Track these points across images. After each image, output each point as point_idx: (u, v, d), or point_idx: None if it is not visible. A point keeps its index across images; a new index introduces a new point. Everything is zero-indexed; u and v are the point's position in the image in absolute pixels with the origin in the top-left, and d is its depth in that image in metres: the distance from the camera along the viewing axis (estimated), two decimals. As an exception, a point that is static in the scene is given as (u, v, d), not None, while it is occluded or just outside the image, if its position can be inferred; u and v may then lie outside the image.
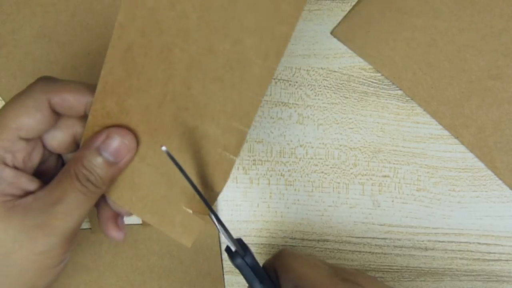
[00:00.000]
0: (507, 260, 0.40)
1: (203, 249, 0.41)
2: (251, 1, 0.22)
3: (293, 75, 0.41)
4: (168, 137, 0.26)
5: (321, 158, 0.40)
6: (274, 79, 0.41)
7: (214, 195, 0.27)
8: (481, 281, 0.40)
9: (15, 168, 0.26)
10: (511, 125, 0.39)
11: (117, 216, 0.30)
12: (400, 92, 0.40)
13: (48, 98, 0.26)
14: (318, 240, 0.40)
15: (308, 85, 0.41)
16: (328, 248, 0.40)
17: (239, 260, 0.27)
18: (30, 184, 0.27)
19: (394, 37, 0.40)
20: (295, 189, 0.40)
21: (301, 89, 0.41)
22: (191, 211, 0.27)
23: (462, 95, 0.40)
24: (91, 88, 0.26)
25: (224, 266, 0.41)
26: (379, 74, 0.40)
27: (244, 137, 0.24)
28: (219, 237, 0.41)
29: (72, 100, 0.26)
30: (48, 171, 0.29)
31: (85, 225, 0.40)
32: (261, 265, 0.29)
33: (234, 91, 0.24)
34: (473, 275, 0.40)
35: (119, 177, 0.28)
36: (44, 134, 0.27)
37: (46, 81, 0.26)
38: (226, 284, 0.41)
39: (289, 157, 0.40)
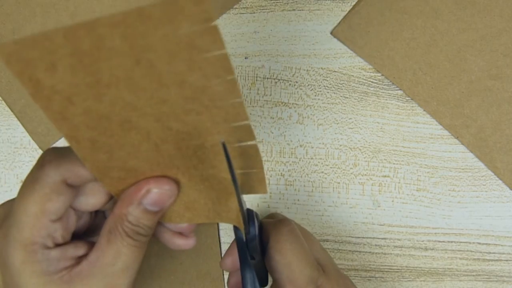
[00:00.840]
0: (507, 260, 0.40)
1: (203, 249, 0.41)
2: (166, 56, 0.21)
3: (293, 75, 0.41)
4: (183, 159, 0.26)
5: (321, 158, 0.40)
6: (274, 79, 0.41)
7: (261, 183, 0.27)
8: (481, 281, 0.40)
9: (58, 245, 0.26)
10: (511, 125, 0.39)
11: (178, 232, 0.30)
12: (400, 92, 0.40)
13: (64, 180, 0.25)
14: (318, 240, 0.40)
15: (308, 85, 0.41)
16: (328, 248, 0.40)
17: (239, 235, 0.27)
18: (78, 250, 0.26)
19: (394, 37, 0.40)
20: (295, 189, 0.40)
21: (301, 89, 0.41)
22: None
23: (462, 95, 0.40)
24: None
25: (224, 266, 0.41)
26: (379, 74, 0.40)
27: (249, 127, 0.24)
28: (219, 237, 0.41)
29: (86, 174, 0.25)
30: (84, 225, 0.29)
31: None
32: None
33: (213, 109, 0.23)
34: (473, 275, 0.40)
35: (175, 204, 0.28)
36: (75, 202, 0.27)
37: (55, 160, 0.25)
38: (226, 284, 0.41)
39: (289, 157, 0.40)
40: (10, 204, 0.27)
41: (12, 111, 0.41)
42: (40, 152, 0.41)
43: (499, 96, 0.39)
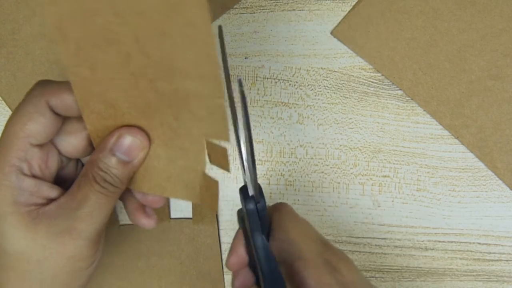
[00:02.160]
0: (507, 260, 0.40)
1: (203, 249, 0.41)
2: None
3: (293, 75, 0.41)
4: (158, 111, 0.26)
5: (321, 158, 0.40)
6: (274, 79, 0.41)
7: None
8: (481, 281, 0.40)
9: (34, 177, 0.27)
10: (511, 125, 0.39)
11: (144, 206, 0.31)
12: (400, 92, 0.40)
13: (47, 101, 0.26)
14: (318, 240, 0.40)
15: (308, 85, 0.41)
16: (328, 248, 0.40)
17: (251, 205, 0.26)
18: (51, 191, 0.27)
19: (394, 37, 0.40)
20: (295, 189, 0.40)
21: (301, 89, 0.41)
22: (207, 175, 0.27)
23: (462, 95, 0.40)
24: None
25: (224, 266, 0.41)
26: (379, 74, 0.40)
27: (219, 79, 0.24)
28: (219, 237, 0.41)
29: (70, 100, 0.26)
30: (69, 177, 0.29)
31: (189, 214, 0.40)
32: None
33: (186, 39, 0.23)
34: (473, 275, 0.40)
35: (142, 168, 0.28)
36: (57, 140, 0.28)
37: (42, 84, 0.27)
38: (226, 284, 0.41)
39: (289, 157, 0.40)
40: None
41: (12, 111, 0.41)
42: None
43: (499, 96, 0.39)
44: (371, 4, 0.40)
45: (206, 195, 0.28)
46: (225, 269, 0.41)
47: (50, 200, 0.27)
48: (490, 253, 0.40)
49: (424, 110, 0.40)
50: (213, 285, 0.41)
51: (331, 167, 0.40)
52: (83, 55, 0.24)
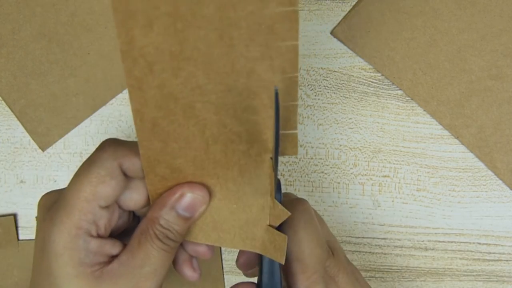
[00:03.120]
0: (507, 260, 0.40)
1: (203, 249, 0.41)
2: (246, 37, 0.22)
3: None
4: (225, 168, 0.27)
5: (321, 158, 0.40)
6: (274, 79, 0.41)
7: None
8: (481, 281, 0.40)
9: (99, 236, 0.27)
10: (511, 125, 0.39)
11: (192, 258, 0.31)
12: (400, 92, 0.40)
13: (120, 164, 0.26)
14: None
15: (308, 85, 0.41)
16: (328, 248, 0.40)
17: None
18: (113, 248, 0.27)
19: (394, 37, 0.40)
20: (295, 189, 0.40)
21: (301, 89, 0.41)
22: (273, 227, 0.28)
23: (462, 95, 0.40)
24: None
25: (224, 266, 0.41)
26: (379, 74, 0.40)
27: (296, 137, 0.26)
28: (219, 237, 0.41)
29: (139, 164, 0.26)
30: (122, 226, 0.29)
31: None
32: None
33: (270, 109, 0.25)
34: (473, 275, 0.40)
35: (200, 220, 0.28)
36: (119, 198, 0.28)
37: (114, 146, 0.27)
38: (226, 284, 0.41)
39: (289, 157, 0.40)
40: (57, 192, 0.28)
41: (12, 111, 0.41)
42: (40, 152, 0.41)
43: (499, 96, 0.39)
44: (371, 4, 0.40)
45: (270, 247, 0.28)
46: (225, 269, 0.41)
47: (112, 258, 0.27)
48: (490, 253, 0.40)
49: (424, 110, 0.40)
50: (213, 285, 0.41)
51: (331, 167, 0.40)
52: (158, 131, 0.25)
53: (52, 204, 0.26)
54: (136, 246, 0.27)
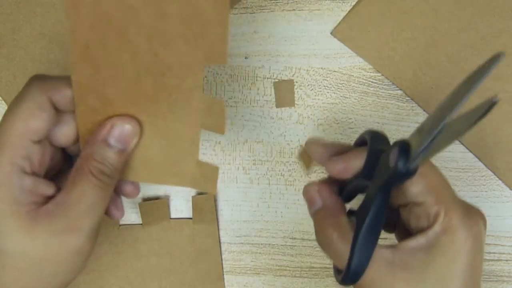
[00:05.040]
0: (507, 260, 0.40)
1: (203, 249, 0.41)
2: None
3: (293, 75, 0.41)
4: (156, 103, 0.27)
5: (321, 158, 0.40)
6: (274, 79, 0.41)
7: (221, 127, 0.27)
8: (481, 281, 0.40)
9: (34, 174, 0.26)
10: (511, 125, 0.39)
11: (117, 198, 0.31)
12: (400, 92, 0.40)
13: (49, 97, 0.26)
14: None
15: (308, 85, 0.41)
16: (328, 248, 0.40)
17: (403, 167, 0.23)
18: (48, 189, 0.27)
19: (394, 37, 0.40)
20: (295, 189, 0.40)
21: (301, 89, 0.41)
22: (203, 162, 0.28)
23: (462, 95, 0.40)
24: None
25: (224, 266, 0.41)
26: (379, 74, 0.40)
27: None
28: (219, 237, 0.41)
29: (70, 94, 0.26)
30: (55, 167, 0.29)
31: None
32: None
33: (197, 40, 0.24)
34: (473, 275, 0.40)
35: (131, 158, 0.28)
36: (51, 132, 0.28)
37: (41, 79, 0.27)
38: (226, 284, 0.41)
39: (289, 157, 0.40)
40: None
41: (12, 111, 0.41)
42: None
43: (499, 96, 0.39)
44: (371, 4, 0.40)
45: (201, 180, 0.28)
46: (225, 269, 0.41)
47: (47, 198, 0.27)
48: (490, 253, 0.40)
49: (424, 110, 0.40)
50: (213, 285, 0.41)
51: (331, 167, 0.40)
52: (90, 55, 0.25)
53: None
54: (71, 184, 0.26)
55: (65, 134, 0.28)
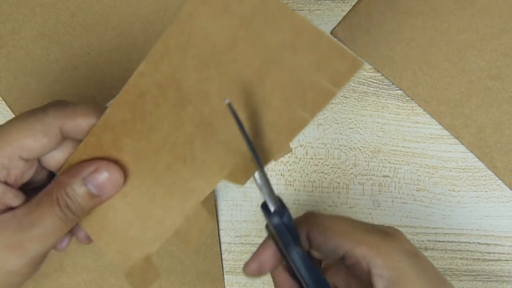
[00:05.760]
0: (507, 260, 0.40)
1: (203, 249, 0.41)
2: (279, 82, 0.21)
3: (293, 75, 0.41)
4: (156, 182, 0.26)
5: (321, 158, 0.40)
6: (274, 79, 0.41)
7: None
8: (481, 281, 0.40)
9: (5, 183, 0.26)
10: (511, 125, 0.39)
11: (69, 234, 0.30)
12: (400, 92, 0.40)
13: (61, 124, 0.25)
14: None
15: (308, 85, 0.41)
16: (328, 248, 0.40)
17: (276, 220, 0.25)
18: (15, 199, 0.26)
19: (394, 37, 0.40)
20: (295, 189, 0.40)
21: (301, 89, 0.41)
22: (152, 261, 0.27)
23: (462, 95, 0.40)
24: (102, 109, 0.26)
25: (224, 266, 0.41)
26: (379, 74, 0.40)
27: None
28: (219, 237, 0.41)
29: (84, 125, 0.26)
30: (36, 183, 0.29)
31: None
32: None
33: (237, 156, 0.24)
34: (473, 275, 0.40)
35: (98, 209, 0.27)
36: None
37: (59, 106, 0.26)
38: (226, 284, 0.41)
39: (289, 157, 0.40)
40: None
41: (12, 111, 0.41)
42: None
43: (499, 96, 0.39)
44: (371, 4, 0.40)
45: (137, 277, 0.27)
46: (225, 269, 0.41)
47: (10, 209, 0.26)
48: (490, 253, 0.40)
49: (424, 110, 0.40)
50: (213, 285, 0.41)
51: (331, 167, 0.40)
52: (139, 103, 0.25)
53: None
54: (35, 204, 0.26)
55: (56, 159, 0.27)
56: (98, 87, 0.41)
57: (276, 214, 0.25)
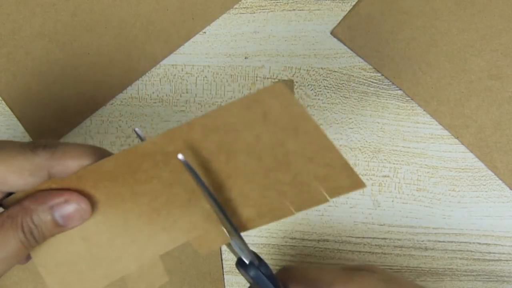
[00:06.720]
0: (507, 260, 0.40)
1: (203, 249, 0.41)
2: (281, 181, 0.24)
3: (293, 75, 0.41)
4: (121, 226, 0.26)
5: (321, 158, 0.40)
6: (274, 79, 0.41)
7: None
8: (481, 281, 0.40)
9: None
10: (511, 125, 0.39)
11: None
12: (400, 92, 0.40)
13: (50, 167, 0.25)
14: (318, 240, 0.40)
15: (308, 85, 0.41)
16: (328, 248, 0.40)
17: (254, 272, 0.26)
18: None
19: (394, 37, 0.40)
20: (295, 189, 0.40)
21: (301, 89, 0.41)
22: None
23: (462, 95, 0.40)
24: (93, 151, 0.26)
25: (224, 266, 0.41)
26: (379, 74, 0.40)
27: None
28: (219, 237, 0.41)
29: (74, 167, 0.25)
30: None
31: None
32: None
33: (212, 225, 0.26)
34: (473, 275, 0.40)
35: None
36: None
37: (49, 148, 0.25)
38: (226, 284, 0.41)
39: (289, 157, 0.40)
40: None
41: (12, 111, 0.41)
42: (40, 152, 0.41)
43: (499, 96, 0.39)
44: (371, 4, 0.40)
45: None
46: (225, 269, 0.41)
47: None
48: (490, 253, 0.40)
49: (424, 110, 0.40)
50: (213, 285, 0.41)
51: (331, 167, 0.40)
52: (142, 154, 0.25)
53: None
54: None
55: (30, 183, 0.26)
56: (98, 87, 0.41)
57: (253, 265, 0.26)
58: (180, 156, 0.22)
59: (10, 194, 0.27)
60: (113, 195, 0.26)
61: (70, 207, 0.26)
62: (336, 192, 0.23)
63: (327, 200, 0.23)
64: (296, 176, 0.23)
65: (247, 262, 0.26)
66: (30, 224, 0.25)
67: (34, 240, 0.26)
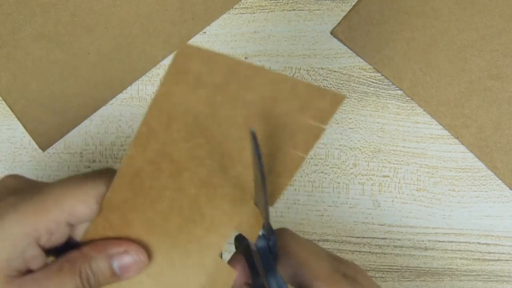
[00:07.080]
0: (507, 260, 0.40)
1: (203, 249, 0.41)
2: (267, 132, 0.22)
3: (293, 75, 0.41)
4: (171, 246, 0.26)
5: (321, 158, 0.40)
6: (274, 79, 0.41)
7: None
8: (481, 281, 0.40)
9: (42, 248, 0.26)
10: (511, 125, 0.39)
11: None
12: (400, 92, 0.40)
13: (65, 221, 0.25)
14: (318, 240, 0.40)
15: (308, 85, 0.41)
16: (328, 248, 0.40)
17: (262, 243, 0.25)
18: (35, 262, 0.26)
19: (394, 37, 0.40)
20: (295, 189, 0.40)
21: (301, 89, 0.41)
22: None
23: (462, 95, 0.40)
24: (100, 175, 0.26)
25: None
26: (379, 74, 0.40)
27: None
28: (219, 237, 0.41)
29: (86, 213, 0.25)
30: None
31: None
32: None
33: (242, 207, 0.25)
34: (473, 275, 0.40)
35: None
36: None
37: (109, 173, 0.26)
38: (226, 284, 0.41)
39: (289, 157, 0.40)
40: (25, 180, 0.27)
41: (12, 111, 0.41)
42: (40, 152, 0.41)
43: (499, 96, 0.39)
44: (371, 4, 0.40)
45: None
46: (225, 269, 0.41)
47: (30, 271, 0.25)
48: (490, 253, 0.40)
49: (424, 110, 0.40)
50: (213, 285, 0.41)
51: (331, 167, 0.40)
52: (136, 182, 0.25)
53: (17, 190, 0.25)
54: (56, 270, 0.25)
55: (95, 213, 0.27)
56: (98, 87, 0.41)
57: (264, 237, 0.25)
58: (252, 129, 0.21)
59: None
60: (146, 224, 0.26)
61: (129, 258, 0.26)
62: (323, 116, 0.21)
63: (322, 129, 0.22)
64: (276, 122, 0.22)
65: (260, 233, 0.26)
66: (88, 271, 0.25)
67: (89, 286, 0.26)
